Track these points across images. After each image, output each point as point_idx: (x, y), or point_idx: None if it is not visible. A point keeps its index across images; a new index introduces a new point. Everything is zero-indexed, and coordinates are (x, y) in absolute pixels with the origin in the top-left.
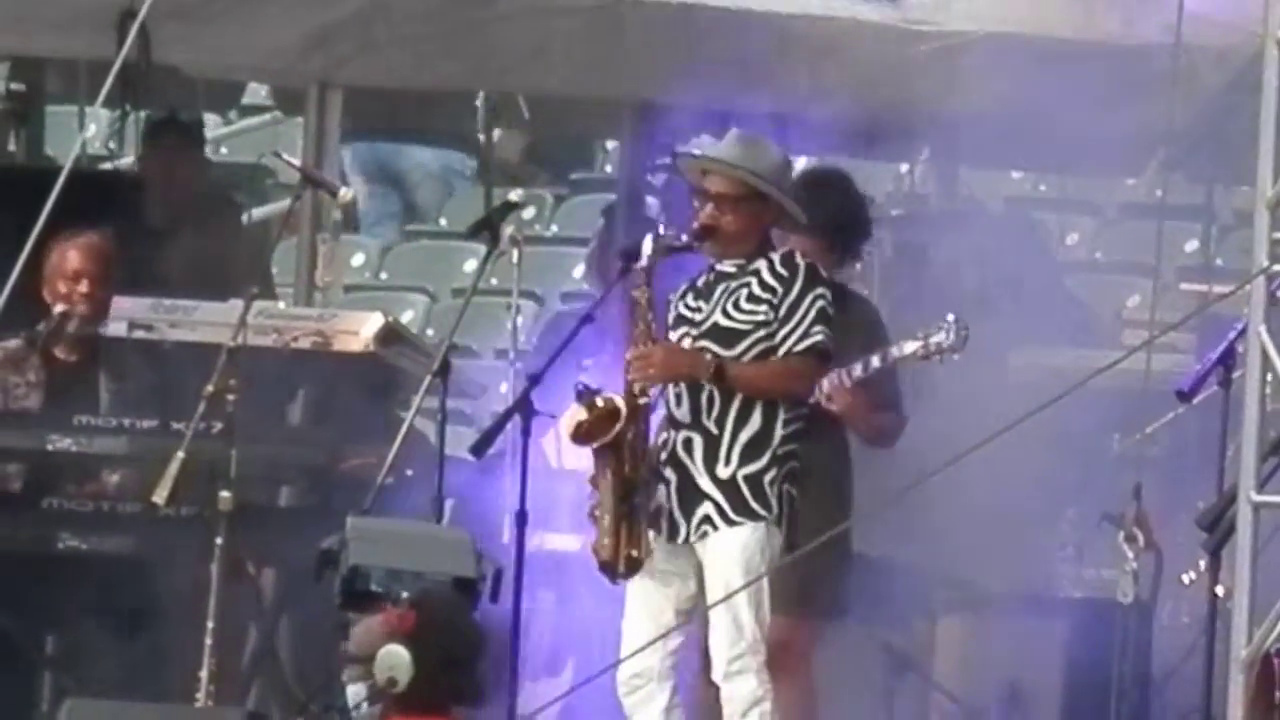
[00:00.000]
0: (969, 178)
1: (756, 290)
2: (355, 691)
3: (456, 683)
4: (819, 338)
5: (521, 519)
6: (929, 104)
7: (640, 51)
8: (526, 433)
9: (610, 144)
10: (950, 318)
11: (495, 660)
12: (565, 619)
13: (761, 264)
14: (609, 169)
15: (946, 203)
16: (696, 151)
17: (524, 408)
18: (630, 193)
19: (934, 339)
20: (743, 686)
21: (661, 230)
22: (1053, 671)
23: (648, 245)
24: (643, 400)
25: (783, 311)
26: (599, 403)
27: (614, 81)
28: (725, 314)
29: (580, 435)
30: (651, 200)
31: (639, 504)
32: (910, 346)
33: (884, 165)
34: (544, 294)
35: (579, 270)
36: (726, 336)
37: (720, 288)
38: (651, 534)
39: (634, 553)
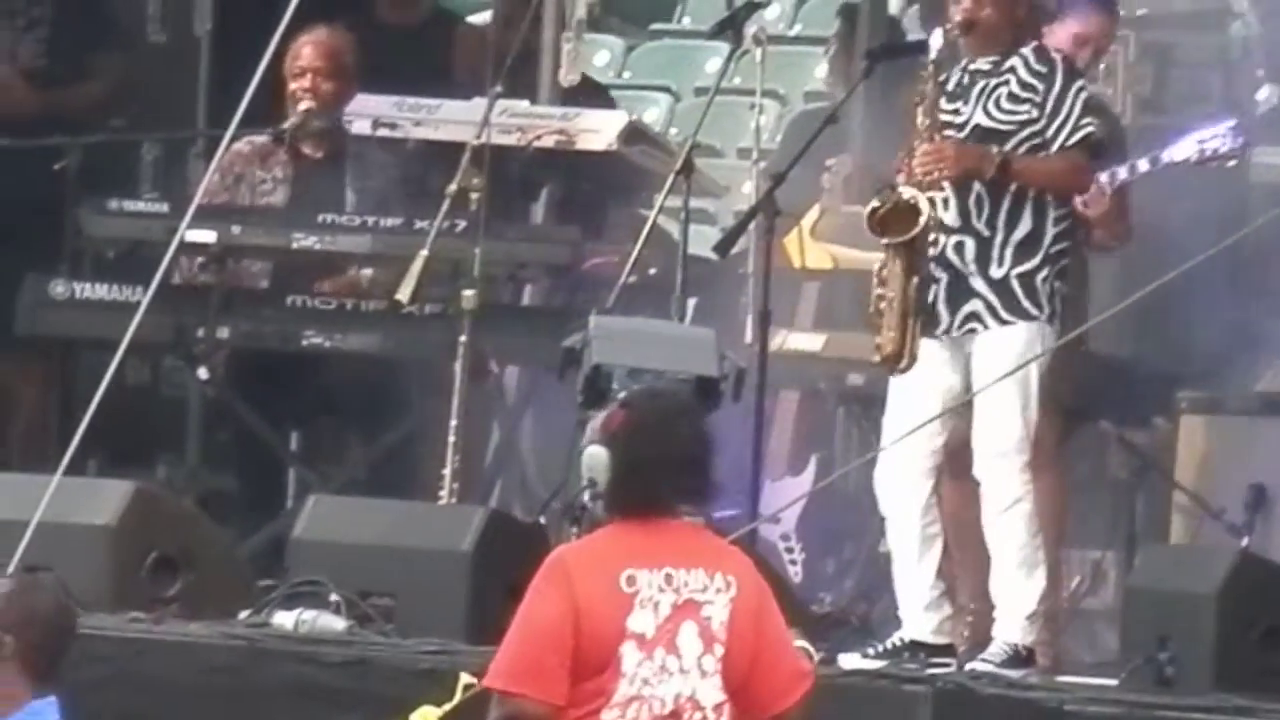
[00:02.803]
0: None
1: (1016, 89)
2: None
3: (659, 485)
4: (1089, 128)
5: (764, 318)
6: None
7: None
8: (770, 231)
9: None
10: (1231, 123)
11: (737, 460)
12: (807, 418)
13: (1016, 61)
14: None
15: (1192, 3)
16: None
17: (767, 207)
18: None
19: (1210, 145)
20: (1005, 484)
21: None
22: None
23: (937, 38)
24: (930, 194)
25: (1049, 108)
26: (901, 195)
27: None
28: (987, 114)
29: (875, 223)
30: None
31: (926, 299)
32: (1184, 152)
33: None
34: (786, 93)
35: (821, 70)
36: (990, 137)
37: (977, 88)
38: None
39: (917, 347)
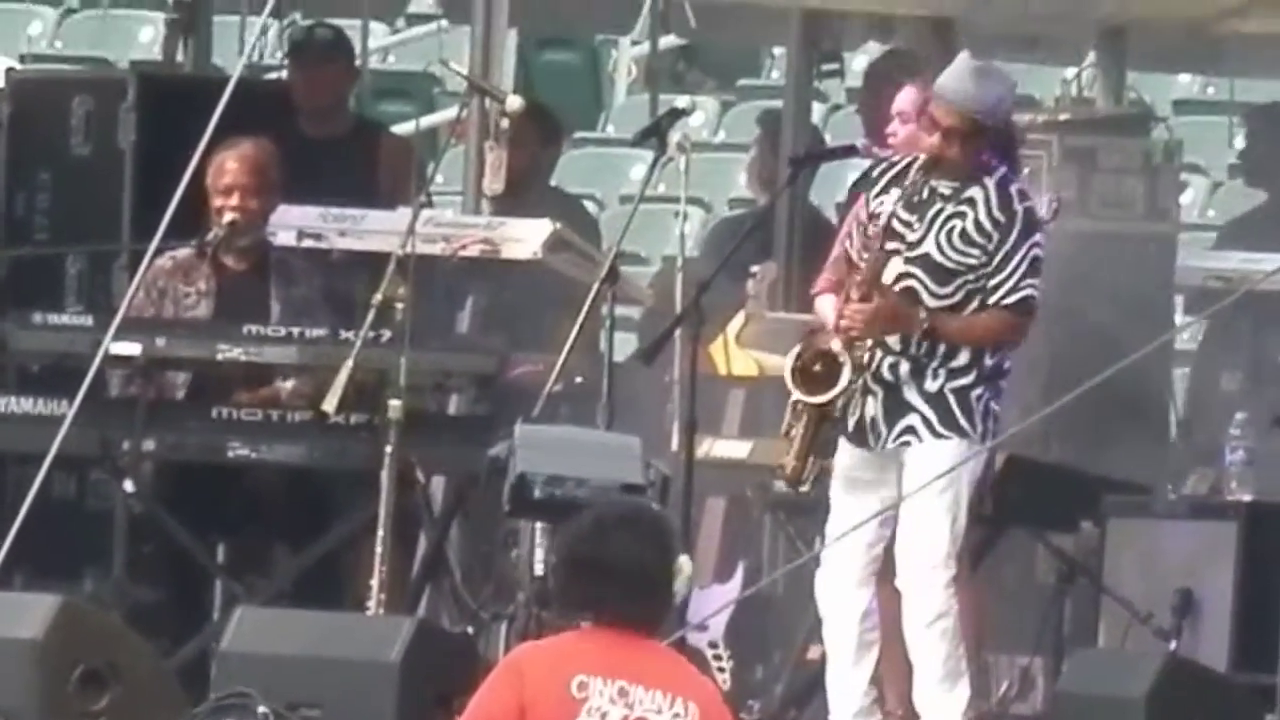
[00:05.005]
0: (1136, 81)
1: (972, 230)
2: None
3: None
4: (1029, 291)
5: (690, 426)
6: (1095, 8)
7: None
8: (695, 339)
9: (777, 50)
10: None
11: None
12: (734, 525)
13: (978, 194)
14: (775, 75)
15: (1115, 108)
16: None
17: (692, 315)
18: (797, 100)
19: None
20: (930, 598)
21: (892, 160)
22: (1224, 576)
23: (889, 204)
24: (856, 345)
25: (997, 260)
26: (828, 349)
27: None
28: (939, 248)
29: (795, 373)
30: (818, 106)
31: (833, 440)
32: None
33: (1050, 70)
34: (711, 201)
35: (745, 177)
36: (938, 272)
37: (934, 209)
38: (859, 451)
39: (820, 468)
